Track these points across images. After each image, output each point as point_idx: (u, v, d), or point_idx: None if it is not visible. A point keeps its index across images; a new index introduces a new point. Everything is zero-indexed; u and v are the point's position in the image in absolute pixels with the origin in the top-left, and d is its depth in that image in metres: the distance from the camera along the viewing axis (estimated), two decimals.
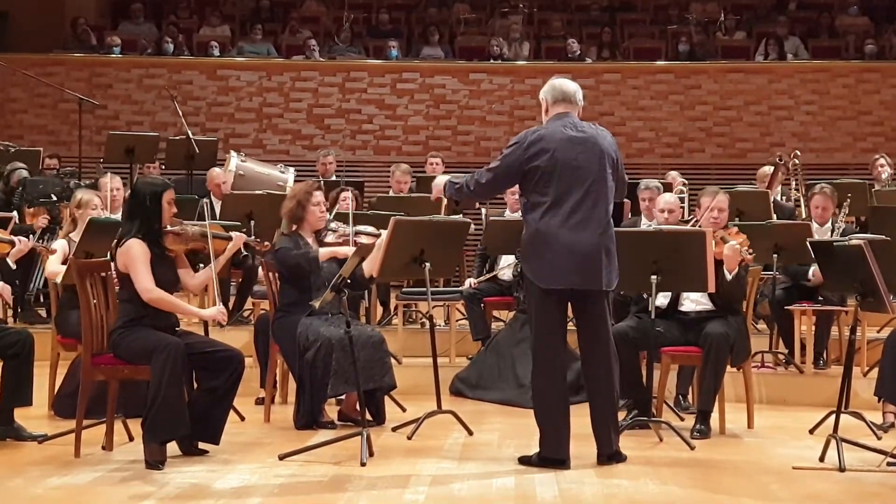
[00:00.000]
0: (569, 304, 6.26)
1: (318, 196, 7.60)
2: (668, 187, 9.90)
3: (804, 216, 9.77)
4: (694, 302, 7.43)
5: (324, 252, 7.39)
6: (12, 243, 7.01)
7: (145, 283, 6.27)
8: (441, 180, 6.79)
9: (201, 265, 6.84)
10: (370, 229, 7.92)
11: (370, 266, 7.39)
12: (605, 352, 6.20)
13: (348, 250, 7.23)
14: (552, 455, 6.13)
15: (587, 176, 6.11)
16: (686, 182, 11.13)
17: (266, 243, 7.54)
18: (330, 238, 7.63)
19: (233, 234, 6.94)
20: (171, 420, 6.11)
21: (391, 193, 11.60)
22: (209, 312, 6.67)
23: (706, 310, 7.37)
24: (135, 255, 6.28)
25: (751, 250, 7.25)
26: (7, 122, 15.70)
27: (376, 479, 5.86)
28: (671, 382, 7.91)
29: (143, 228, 6.36)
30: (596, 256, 6.08)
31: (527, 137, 6.20)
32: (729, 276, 7.13)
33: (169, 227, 6.46)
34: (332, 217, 7.96)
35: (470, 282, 9.59)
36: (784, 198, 11.04)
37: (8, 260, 7.07)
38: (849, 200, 9.61)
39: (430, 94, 16.04)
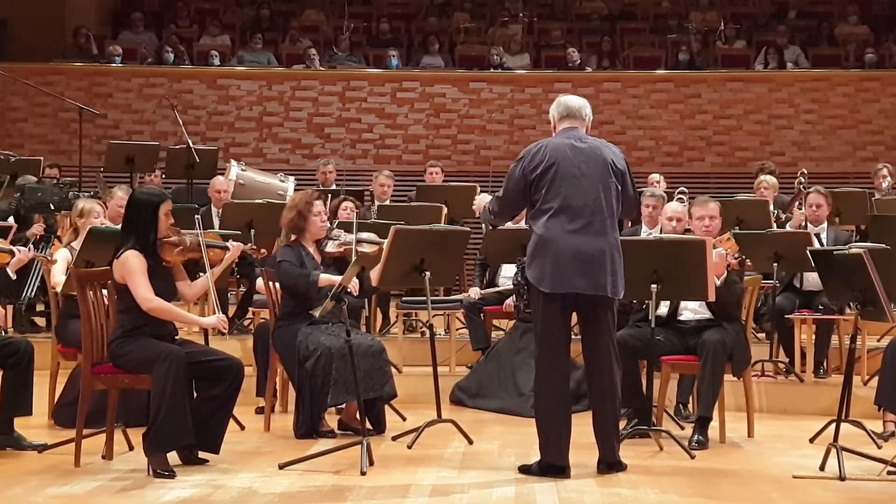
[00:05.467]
0: (574, 313, 6.28)
1: (319, 205, 7.59)
2: (669, 196, 9.92)
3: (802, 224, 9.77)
4: (692, 311, 7.44)
5: (323, 278, 7.35)
6: (12, 253, 7.02)
7: (144, 294, 6.26)
8: (481, 201, 6.83)
9: (201, 274, 6.83)
10: (372, 237, 7.91)
11: (375, 273, 7.40)
12: (608, 360, 6.20)
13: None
14: (553, 461, 6.13)
15: (591, 184, 6.14)
16: (686, 191, 11.13)
17: (263, 251, 7.53)
18: (331, 247, 7.62)
19: (230, 243, 6.93)
20: (175, 430, 6.11)
21: (376, 201, 11.58)
22: (210, 321, 6.66)
23: (705, 318, 7.37)
24: (132, 266, 6.28)
25: (737, 255, 7.25)
26: (7, 132, 15.69)
27: (376, 489, 5.85)
28: (671, 391, 7.91)
29: (139, 240, 6.36)
30: (600, 262, 6.09)
31: (529, 151, 6.28)
32: (718, 282, 7.12)
33: (166, 238, 6.45)
34: (333, 226, 7.94)
35: (475, 291, 9.59)
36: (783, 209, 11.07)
37: (8, 270, 7.07)
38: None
39: (430, 103, 16.05)
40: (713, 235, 7.40)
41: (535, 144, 6.33)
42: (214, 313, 6.74)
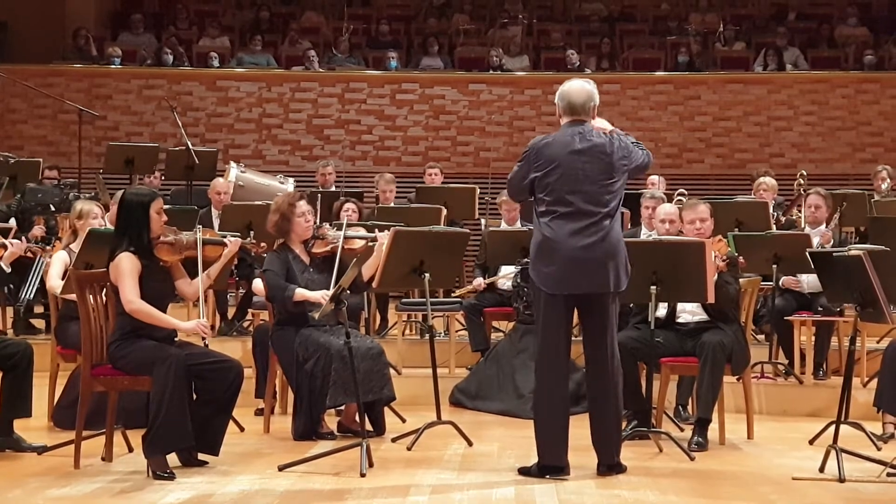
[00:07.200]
0: (575, 311, 6.29)
1: (303, 206, 7.55)
2: (668, 197, 9.93)
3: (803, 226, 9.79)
4: (690, 313, 7.44)
5: (299, 294, 7.31)
6: (4, 246, 7.01)
7: (128, 295, 6.25)
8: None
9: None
10: (360, 231, 7.90)
11: (368, 270, 7.40)
12: (609, 359, 6.21)
13: (321, 295, 7.21)
14: (551, 462, 6.13)
15: (593, 185, 6.15)
16: (686, 192, 11.13)
17: (263, 245, 7.51)
18: (318, 247, 7.58)
19: (228, 239, 6.90)
20: (174, 432, 6.11)
21: (379, 204, 11.58)
22: (188, 325, 6.53)
23: (704, 320, 7.37)
24: (123, 268, 6.28)
25: (725, 257, 7.23)
26: (7, 133, 15.70)
27: (376, 490, 5.85)
28: (671, 393, 7.91)
29: (133, 241, 6.35)
30: (603, 263, 6.10)
31: (534, 148, 6.28)
32: None
33: (161, 238, 6.44)
34: (322, 224, 7.90)
35: (479, 281, 9.59)
36: (782, 211, 11.09)
37: (1, 263, 7.07)
38: (844, 205, 9.69)
39: (429, 104, 16.06)
40: (706, 238, 7.39)
41: (540, 139, 6.33)
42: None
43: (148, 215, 6.41)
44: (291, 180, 12.19)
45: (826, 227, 9.41)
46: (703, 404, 7.14)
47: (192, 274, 6.67)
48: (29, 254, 8.10)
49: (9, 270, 7.24)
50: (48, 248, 8.17)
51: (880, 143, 15.69)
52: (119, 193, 9.04)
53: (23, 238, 7.39)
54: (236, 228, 9.24)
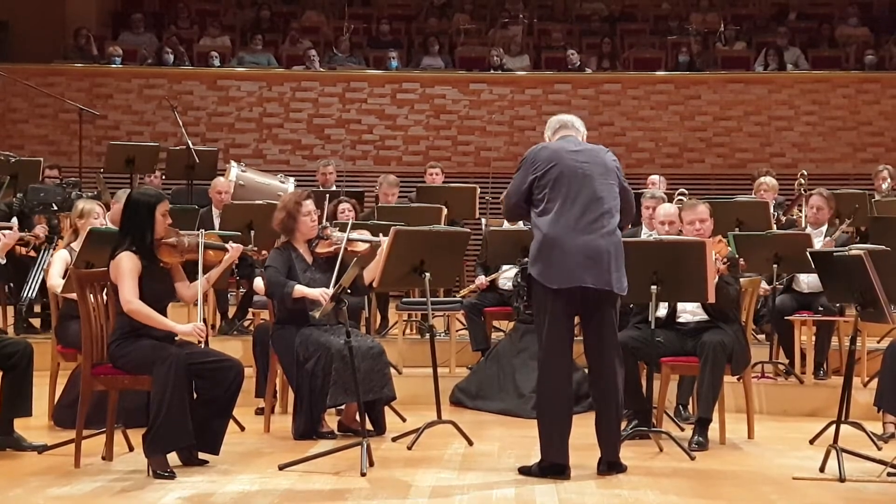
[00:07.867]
0: (577, 313, 6.30)
1: (309, 205, 7.55)
2: (668, 197, 9.93)
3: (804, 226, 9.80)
4: (691, 313, 7.44)
5: (298, 291, 7.30)
6: None
7: (126, 295, 6.26)
8: None
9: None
10: (364, 234, 7.90)
11: (369, 273, 7.40)
12: (612, 358, 6.22)
13: (319, 293, 7.22)
14: (554, 459, 6.14)
15: (593, 183, 6.19)
16: (686, 192, 11.13)
17: (264, 252, 7.51)
18: (322, 247, 7.58)
19: (229, 245, 6.89)
20: (174, 431, 6.11)
21: (379, 204, 11.56)
22: (185, 328, 6.49)
23: (704, 320, 7.37)
24: (122, 268, 6.28)
25: (726, 259, 7.23)
26: (7, 132, 15.70)
27: (376, 489, 5.86)
28: (671, 393, 7.91)
29: (136, 241, 6.35)
30: (604, 258, 6.12)
31: (532, 151, 6.34)
32: None
33: (164, 239, 6.44)
34: (327, 224, 7.90)
35: (481, 279, 9.59)
36: (783, 210, 11.09)
37: None
38: (856, 210, 9.70)
39: (430, 104, 16.05)
40: (705, 238, 7.38)
41: (537, 146, 6.39)
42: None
43: (153, 216, 6.41)
44: (292, 180, 12.20)
45: (828, 228, 9.40)
46: (703, 404, 7.15)
47: (191, 275, 6.67)
48: (32, 252, 8.11)
49: (3, 261, 7.22)
50: (53, 255, 8.17)
51: (881, 143, 15.68)
52: (121, 193, 9.06)
53: (14, 228, 7.33)
54: (237, 228, 9.24)
